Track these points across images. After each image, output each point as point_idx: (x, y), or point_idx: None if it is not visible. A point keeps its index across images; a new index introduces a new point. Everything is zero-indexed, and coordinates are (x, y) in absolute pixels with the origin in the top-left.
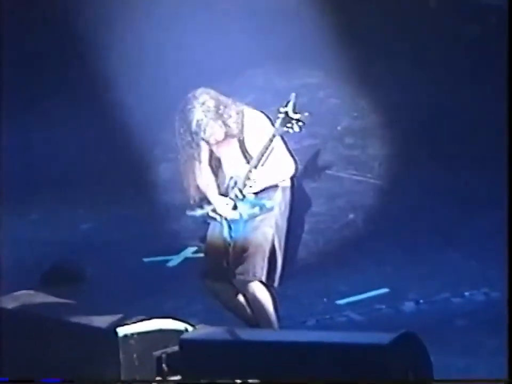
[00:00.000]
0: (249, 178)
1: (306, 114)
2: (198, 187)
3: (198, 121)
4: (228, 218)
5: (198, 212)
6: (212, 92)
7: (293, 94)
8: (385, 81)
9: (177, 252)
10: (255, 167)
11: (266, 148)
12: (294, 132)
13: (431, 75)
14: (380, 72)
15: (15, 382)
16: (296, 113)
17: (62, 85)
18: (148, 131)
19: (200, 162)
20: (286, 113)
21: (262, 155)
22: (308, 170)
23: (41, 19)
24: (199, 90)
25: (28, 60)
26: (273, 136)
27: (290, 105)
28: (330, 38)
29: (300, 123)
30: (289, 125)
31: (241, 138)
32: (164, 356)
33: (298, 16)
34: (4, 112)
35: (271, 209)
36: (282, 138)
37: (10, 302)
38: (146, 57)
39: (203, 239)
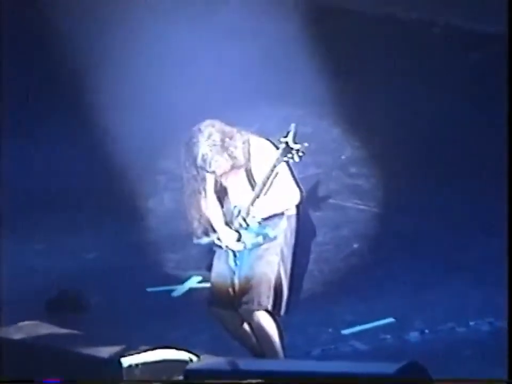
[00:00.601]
0: (252, 207)
1: (306, 144)
2: (202, 219)
3: (203, 155)
4: (231, 249)
5: (204, 240)
6: (217, 124)
7: (293, 124)
8: (387, 109)
9: (182, 281)
10: (258, 196)
11: (268, 177)
12: (294, 161)
13: (433, 101)
14: (382, 100)
15: (15, 382)
16: (296, 143)
17: (62, 114)
18: (153, 160)
19: (205, 193)
20: (286, 143)
21: (264, 184)
22: (311, 199)
23: (38, 44)
24: (205, 123)
25: (23, 88)
26: (274, 166)
27: (291, 135)
28: (332, 67)
29: (300, 153)
30: (289, 155)
31: (248, 168)
32: None
33: (300, 46)
34: (3, 139)
35: (275, 238)
36: (288, 167)
37: (15, 333)
38: (151, 85)
39: (209, 266)
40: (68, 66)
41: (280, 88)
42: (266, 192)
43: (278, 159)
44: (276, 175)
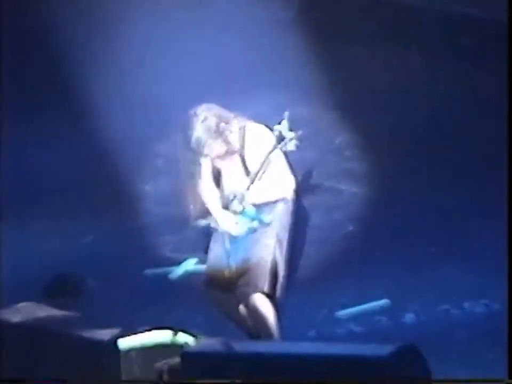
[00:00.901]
0: (247, 192)
1: (300, 132)
2: (199, 203)
3: (197, 139)
4: (227, 233)
5: (202, 222)
6: (214, 108)
7: (286, 112)
8: (385, 95)
9: (179, 263)
10: (253, 182)
11: (263, 164)
12: (289, 150)
13: (429, 86)
14: (377, 85)
15: (15, 382)
16: (291, 131)
17: (57, 100)
18: (150, 143)
19: (201, 177)
20: (280, 131)
21: (259, 171)
22: (306, 183)
23: (32, 44)
24: (201, 107)
25: (22, 80)
26: (269, 154)
27: (284, 123)
28: (327, 52)
29: (294, 141)
30: (283, 143)
31: (242, 154)
32: (165, 367)
33: (295, 32)
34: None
35: (270, 223)
36: (283, 153)
37: (12, 315)
38: (148, 71)
39: (206, 249)
40: (62, 59)
41: (275, 73)
42: (260, 178)
43: (273, 146)
44: (270, 162)
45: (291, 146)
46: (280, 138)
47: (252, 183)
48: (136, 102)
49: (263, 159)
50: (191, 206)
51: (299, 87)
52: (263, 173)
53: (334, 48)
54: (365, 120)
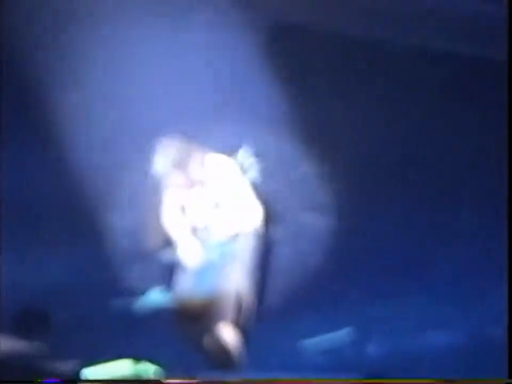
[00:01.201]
0: (211, 224)
1: (257, 158)
2: (161, 233)
3: (158, 172)
4: (193, 264)
5: (167, 255)
6: (176, 142)
7: (245, 145)
8: (351, 125)
9: (144, 294)
10: (216, 215)
11: (227, 195)
12: (252, 177)
13: (398, 115)
14: (341, 116)
15: (15, 382)
16: (250, 161)
17: (25, 127)
18: (113, 174)
19: (164, 208)
20: (241, 162)
21: (223, 202)
22: (272, 214)
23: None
24: (164, 141)
25: None
26: (232, 184)
27: (242, 153)
28: (296, 83)
29: (255, 169)
30: (245, 172)
31: (206, 185)
32: None
33: (264, 62)
34: None
35: (234, 255)
36: (251, 184)
37: None
38: (116, 98)
39: (171, 281)
40: (28, 82)
41: (244, 103)
42: (226, 209)
43: (231, 178)
44: (235, 192)
45: (253, 173)
46: (242, 169)
47: (217, 213)
48: (102, 131)
49: (227, 190)
50: (154, 237)
51: (265, 118)
52: (228, 203)
53: (300, 78)
54: (331, 151)
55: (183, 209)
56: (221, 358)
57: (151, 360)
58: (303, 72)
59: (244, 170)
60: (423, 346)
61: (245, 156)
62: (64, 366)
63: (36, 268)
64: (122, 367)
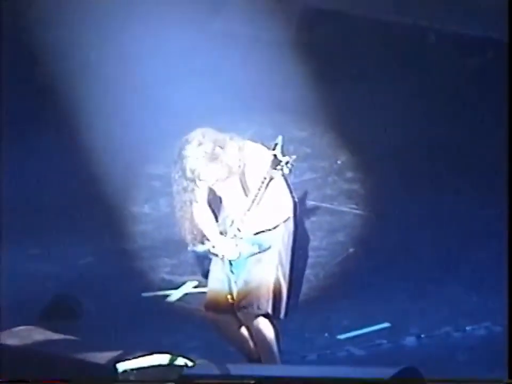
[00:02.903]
0: (246, 217)
1: (294, 157)
2: (195, 230)
3: (191, 168)
4: (226, 257)
5: (200, 248)
6: (208, 132)
7: (280, 137)
8: (385, 115)
9: (177, 286)
10: (250, 207)
11: (260, 188)
12: (284, 173)
13: (429, 106)
14: (379, 106)
15: (15, 382)
16: (284, 155)
17: (53, 120)
18: (148, 165)
19: (197, 203)
20: (275, 155)
21: (256, 195)
22: (308, 204)
23: (30, 54)
24: (194, 133)
25: (17, 95)
26: (265, 178)
27: (278, 148)
28: (328, 72)
29: (289, 165)
30: (278, 167)
31: (242, 175)
32: None
33: (295, 52)
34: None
35: (269, 247)
36: (283, 175)
37: (10, 338)
38: (147, 91)
39: (205, 273)
40: (60, 75)
41: (275, 94)
42: (259, 202)
43: (267, 172)
44: (268, 185)
45: (286, 170)
46: (276, 163)
47: (251, 206)
48: (134, 123)
49: (260, 184)
50: (187, 234)
51: (299, 108)
52: (263, 195)
53: (334, 68)
54: (366, 141)
55: (219, 201)
56: (257, 351)
57: (184, 355)
58: (334, 61)
59: (276, 165)
60: (460, 338)
61: (277, 150)
62: (98, 359)
63: (67, 259)
64: (155, 360)
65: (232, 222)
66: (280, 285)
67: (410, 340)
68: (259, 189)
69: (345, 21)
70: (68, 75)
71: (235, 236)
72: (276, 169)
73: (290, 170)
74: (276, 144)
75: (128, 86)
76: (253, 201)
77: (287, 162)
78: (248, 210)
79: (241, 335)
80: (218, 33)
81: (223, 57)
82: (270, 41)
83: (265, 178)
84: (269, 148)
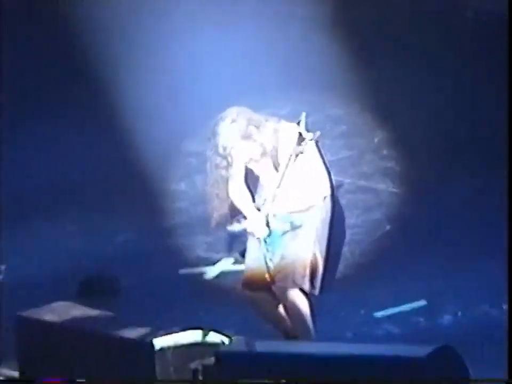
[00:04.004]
0: (276, 195)
1: (318, 133)
2: (224, 209)
3: (223, 144)
4: (262, 235)
5: (236, 227)
6: (244, 111)
7: (304, 113)
8: (422, 94)
9: (214, 263)
10: (279, 184)
11: (287, 165)
12: (319, 146)
13: (466, 85)
14: (416, 85)
15: (15, 381)
16: (309, 131)
17: (90, 98)
18: (184, 143)
19: (230, 180)
20: (300, 133)
21: (284, 172)
22: (343, 182)
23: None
24: (228, 111)
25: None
26: (290, 155)
27: (302, 124)
28: (360, 51)
29: (313, 141)
30: (303, 143)
31: (274, 155)
32: (200, 367)
33: (328, 30)
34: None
35: (300, 226)
36: (319, 153)
37: (47, 313)
38: (179, 69)
39: (243, 252)
40: (90, 50)
41: (309, 72)
42: (288, 179)
43: (293, 149)
44: (295, 161)
45: (311, 147)
46: (300, 140)
47: (280, 183)
48: (167, 101)
49: (286, 163)
50: (216, 212)
51: (335, 86)
52: (290, 172)
53: (369, 48)
54: (402, 120)
55: (255, 179)
56: (293, 326)
57: (220, 331)
58: (370, 39)
59: (301, 138)
60: (495, 317)
61: (301, 127)
62: (135, 334)
63: (104, 236)
64: (192, 337)
65: (265, 200)
66: (316, 261)
67: (447, 318)
68: (286, 166)
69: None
70: (102, 59)
71: (267, 213)
72: (301, 145)
73: (318, 146)
74: (300, 121)
75: (165, 65)
76: (281, 178)
77: (311, 139)
78: (278, 187)
79: (278, 314)
80: (253, 10)
81: (259, 35)
82: (305, 18)
83: (291, 155)
84: (303, 126)
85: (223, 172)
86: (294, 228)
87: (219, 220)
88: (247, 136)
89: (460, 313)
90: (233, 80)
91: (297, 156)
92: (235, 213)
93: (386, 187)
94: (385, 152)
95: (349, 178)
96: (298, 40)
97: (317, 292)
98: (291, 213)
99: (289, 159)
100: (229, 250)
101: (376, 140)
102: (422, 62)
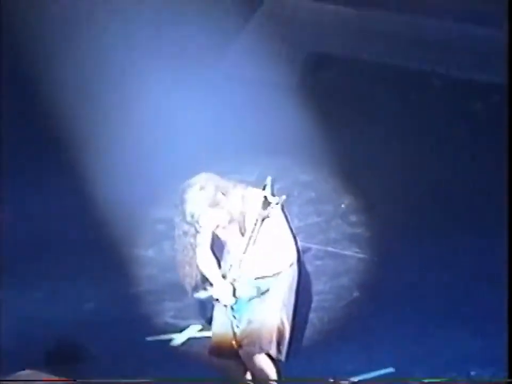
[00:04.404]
0: (242, 260)
1: (284, 197)
2: (196, 274)
3: (191, 212)
4: (228, 302)
5: (202, 294)
6: (212, 178)
7: (269, 178)
8: (388, 158)
9: (181, 330)
10: (246, 250)
11: (253, 231)
12: (286, 213)
13: (433, 151)
14: (383, 149)
15: (15, 381)
16: (274, 196)
17: (54, 162)
18: (152, 209)
19: (198, 247)
20: (265, 197)
21: (250, 238)
22: (312, 248)
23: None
24: (197, 177)
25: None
26: (256, 220)
27: (268, 189)
28: (331, 116)
29: (279, 206)
30: (269, 207)
31: (241, 222)
32: None
33: (299, 95)
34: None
35: (267, 290)
36: (285, 218)
37: (14, 382)
38: (152, 135)
39: (209, 319)
40: (61, 115)
41: (278, 138)
42: (254, 244)
43: (259, 213)
44: (271, 228)
45: (277, 211)
46: (266, 204)
47: (246, 248)
48: (137, 166)
49: (252, 229)
50: (187, 279)
51: (303, 152)
52: (257, 237)
53: (338, 112)
54: (370, 185)
55: (222, 246)
56: None
57: None
58: (338, 105)
59: (267, 202)
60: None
61: (266, 191)
62: None
63: (71, 303)
64: None
65: (231, 266)
66: (283, 327)
67: None
68: (252, 231)
69: (350, 65)
70: (74, 119)
71: (234, 279)
72: (266, 210)
73: (283, 211)
74: (266, 185)
75: (133, 129)
76: (247, 244)
77: (277, 203)
78: (244, 253)
79: (246, 380)
80: (223, 76)
81: (228, 101)
82: (275, 84)
83: (257, 220)
84: (270, 192)
85: (192, 240)
86: (260, 293)
87: (192, 286)
88: (215, 204)
89: (427, 380)
90: (202, 145)
91: (263, 220)
92: (205, 280)
93: (353, 253)
94: (353, 218)
95: (317, 245)
96: (267, 106)
97: (283, 358)
98: (258, 278)
99: (255, 224)
100: (197, 317)
101: (343, 206)
102: (391, 127)
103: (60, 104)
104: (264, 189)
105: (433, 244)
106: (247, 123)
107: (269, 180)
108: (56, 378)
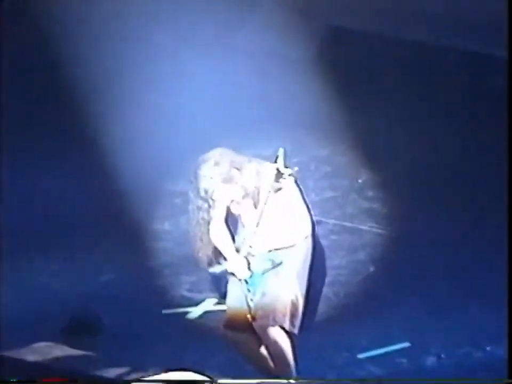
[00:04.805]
0: (255, 233)
1: (296, 168)
2: (207, 250)
3: (205, 187)
4: (243, 276)
5: (217, 268)
6: (227, 153)
7: (281, 149)
8: (405, 133)
9: (197, 303)
10: (258, 223)
11: (265, 203)
12: (302, 187)
13: (451, 126)
14: (400, 124)
15: (17, 382)
16: (287, 167)
17: (76, 138)
18: (169, 182)
19: (212, 221)
20: (277, 169)
21: (262, 210)
22: (328, 223)
23: (40, 73)
24: (211, 153)
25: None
26: (269, 192)
27: (280, 160)
28: (348, 91)
29: (292, 177)
30: (281, 180)
31: (256, 197)
32: None
33: (316, 70)
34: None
35: (280, 263)
36: (300, 192)
37: (29, 354)
38: (169, 110)
39: (223, 294)
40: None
41: (294, 113)
42: (277, 219)
43: (271, 185)
44: (286, 202)
45: (290, 183)
46: (278, 176)
47: (259, 221)
48: (154, 140)
49: (263, 201)
50: (201, 252)
51: (320, 126)
52: (270, 210)
53: (355, 86)
54: (387, 160)
55: (236, 220)
56: (275, 365)
57: (204, 372)
58: (355, 79)
59: (279, 178)
60: (482, 358)
61: (279, 163)
62: (115, 375)
63: (88, 275)
64: (176, 378)
65: (244, 239)
66: (297, 300)
67: (430, 360)
68: (265, 203)
69: (367, 40)
70: (95, 95)
71: (248, 253)
72: (278, 182)
73: (297, 184)
74: (277, 157)
75: (151, 105)
76: (260, 216)
77: (289, 175)
78: (257, 226)
79: (261, 354)
80: (238, 50)
81: (245, 75)
82: (291, 58)
83: (269, 192)
84: (286, 167)
85: (205, 215)
86: (274, 265)
87: (206, 260)
88: (229, 179)
89: (443, 355)
90: (218, 120)
91: (275, 192)
92: (218, 254)
93: (370, 228)
94: (370, 193)
95: (334, 219)
96: (283, 80)
97: (296, 331)
98: (271, 250)
99: (268, 196)
100: (212, 291)
101: (360, 181)
102: (408, 103)
103: (79, 77)
104: (276, 160)
105: (450, 219)
106: (263, 97)
107: (281, 152)
108: (57, 376)
